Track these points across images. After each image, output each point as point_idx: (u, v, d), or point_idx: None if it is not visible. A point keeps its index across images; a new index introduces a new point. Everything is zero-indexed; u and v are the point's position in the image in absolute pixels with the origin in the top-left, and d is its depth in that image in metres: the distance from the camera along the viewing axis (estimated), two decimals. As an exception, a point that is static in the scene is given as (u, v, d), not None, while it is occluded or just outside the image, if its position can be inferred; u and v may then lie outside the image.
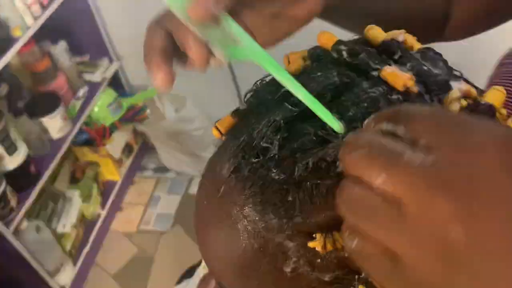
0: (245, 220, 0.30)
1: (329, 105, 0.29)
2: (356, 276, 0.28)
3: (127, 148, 1.92)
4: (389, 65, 0.30)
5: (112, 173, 1.84)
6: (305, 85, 0.30)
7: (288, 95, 0.30)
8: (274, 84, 0.32)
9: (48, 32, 1.50)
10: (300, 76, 0.32)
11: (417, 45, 0.33)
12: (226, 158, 0.31)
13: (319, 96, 0.29)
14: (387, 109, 0.24)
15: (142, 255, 1.76)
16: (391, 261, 0.21)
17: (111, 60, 1.78)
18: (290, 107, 0.30)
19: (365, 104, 0.28)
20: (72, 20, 1.64)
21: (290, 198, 0.28)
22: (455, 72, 0.32)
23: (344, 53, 0.32)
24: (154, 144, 1.94)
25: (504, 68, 0.57)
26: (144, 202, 1.95)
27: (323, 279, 0.29)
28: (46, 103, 1.51)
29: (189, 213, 1.85)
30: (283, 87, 0.31)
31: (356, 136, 0.23)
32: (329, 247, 0.27)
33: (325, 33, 0.34)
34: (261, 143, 0.29)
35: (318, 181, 0.27)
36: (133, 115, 1.86)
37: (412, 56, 0.32)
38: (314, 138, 0.29)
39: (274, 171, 0.28)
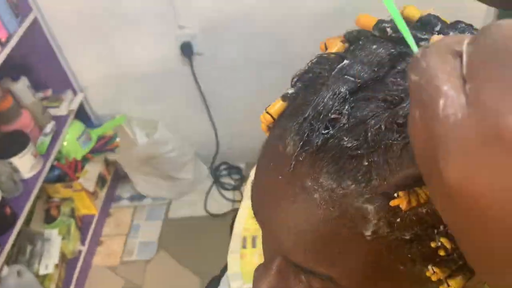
0: (321, 190, 0.30)
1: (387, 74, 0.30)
2: (435, 230, 0.29)
3: (101, 180, 1.87)
4: (435, 34, 0.31)
5: (88, 207, 1.79)
6: (363, 56, 0.31)
7: (347, 68, 0.31)
8: (323, 63, 0.32)
9: (8, 69, 1.46)
10: (353, 51, 0.32)
11: (447, 20, 0.34)
12: (289, 136, 0.31)
13: (379, 65, 0.30)
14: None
15: (129, 286, 1.71)
16: None
17: (75, 92, 1.74)
18: (352, 79, 0.31)
19: None
20: (31, 56, 1.60)
21: (365, 163, 0.29)
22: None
23: (389, 30, 0.32)
24: (127, 172, 1.91)
25: None
26: (124, 233, 1.90)
27: (404, 237, 0.29)
28: (13, 142, 1.46)
29: (172, 237, 1.83)
30: (335, 64, 0.31)
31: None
32: (414, 202, 0.27)
33: (363, 15, 0.35)
34: (329, 114, 0.30)
35: (392, 142, 0.27)
36: (103, 145, 1.82)
37: (450, 28, 0.33)
38: (383, 103, 0.29)
39: (346, 139, 0.29)
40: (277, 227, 0.33)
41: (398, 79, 0.30)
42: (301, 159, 0.30)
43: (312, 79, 0.33)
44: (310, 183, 0.30)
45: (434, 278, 0.30)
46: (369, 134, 0.29)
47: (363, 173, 0.29)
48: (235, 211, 0.60)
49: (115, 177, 2.00)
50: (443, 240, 0.28)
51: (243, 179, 1.98)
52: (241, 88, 1.73)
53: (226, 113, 1.83)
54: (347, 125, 0.29)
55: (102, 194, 1.89)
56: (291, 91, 0.34)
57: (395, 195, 0.28)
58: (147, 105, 1.81)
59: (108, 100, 1.80)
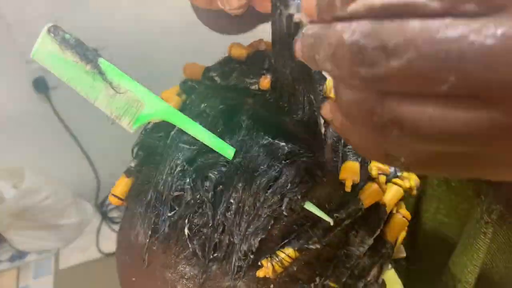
0: (184, 279, 0.28)
1: (225, 130, 0.29)
2: (312, 285, 0.29)
3: (-31, 248, 1.64)
4: (263, 75, 0.31)
5: (-41, 283, 1.55)
6: (196, 121, 0.29)
7: (179, 135, 0.29)
8: (160, 129, 0.30)
9: None
10: (185, 113, 0.31)
11: None
12: (138, 224, 0.28)
13: (211, 128, 0.29)
14: None
15: None
16: None
17: None
18: (186, 146, 0.28)
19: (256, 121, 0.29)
20: None
21: (216, 240, 0.27)
22: None
23: (217, 79, 0.32)
24: (0, 231, 1.70)
25: None
26: (10, 300, 1.69)
27: None
28: None
29: (68, 289, 1.67)
30: (170, 129, 0.29)
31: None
32: (278, 268, 0.26)
33: (189, 64, 0.34)
34: (171, 193, 0.27)
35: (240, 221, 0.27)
36: (-37, 209, 1.60)
37: None
38: (222, 169, 0.28)
39: (195, 216, 0.27)
40: None
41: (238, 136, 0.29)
42: (154, 248, 0.28)
43: (151, 148, 0.31)
44: (169, 274, 0.28)
45: None
46: (220, 211, 0.27)
47: (220, 251, 0.27)
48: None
49: (-13, 240, 1.77)
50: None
51: (133, 208, 1.88)
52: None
53: (99, 141, 1.72)
54: (192, 201, 0.27)
55: (-26, 263, 1.66)
56: (133, 164, 0.32)
57: (259, 264, 0.27)
58: (9, 153, 1.63)
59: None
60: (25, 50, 1.41)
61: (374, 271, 0.32)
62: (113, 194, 0.32)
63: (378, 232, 0.32)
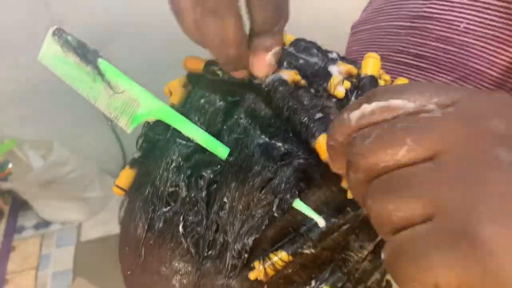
0: (178, 275, 0.28)
1: (223, 127, 0.28)
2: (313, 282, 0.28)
3: (-3, 213, 1.70)
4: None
5: (-15, 246, 1.61)
6: (193, 118, 0.29)
7: (177, 130, 0.29)
8: (161, 123, 0.30)
9: None
10: (187, 107, 0.31)
11: (289, 38, 0.33)
12: (137, 217, 0.29)
13: (210, 125, 0.28)
14: (359, 99, 0.23)
15: (46, 323, 1.58)
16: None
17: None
18: (183, 141, 0.29)
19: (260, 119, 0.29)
20: None
21: (211, 238, 0.27)
22: (331, 55, 0.33)
23: (220, 72, 0.31)
24: (27, 199, 1.75)
25: (356, 35, 0.60)
26: (33, 266, 1.75)
27: None
28: None
29: (88, 261, 1.71)
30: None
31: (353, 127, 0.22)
32: (270, 271, 0.26)
33: (189, 58, 0.33)
34: (167, 188, 0.27)
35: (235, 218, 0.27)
36: (-6, 175, 1.66)
37: (286, 51, 0.32)
38: (217, 167, 0.28)
39: (190, 213, 0.27)
40: None
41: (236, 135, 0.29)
42: (151, 242, 0.28)
43: (153, 141, 0.31)
44: (164, 269, 0.28)
45: None
46: (213, 208, 0.27)
47: (214, 249, 0.27)
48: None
49: (14, 206, 1.83)
50: None
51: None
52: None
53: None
54: (188, 198, 0.27)
55: (1, 227, 1.72)
56: (137, 155, 0.32)
57: (252, 265, 0.27)
58: (39, 126, 1.68)
59: (-7, 124, 1.64)
60: (59, 23, 1.44)
61: (375, 276, 0.31)
62: (116, 185, 0.32)
63: (379, 237, 0.31)
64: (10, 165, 1.68)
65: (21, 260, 1.75)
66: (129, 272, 0.30)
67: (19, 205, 1.85)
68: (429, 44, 0.47)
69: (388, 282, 0.34)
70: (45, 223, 1.84)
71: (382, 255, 0.21)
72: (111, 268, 1.78)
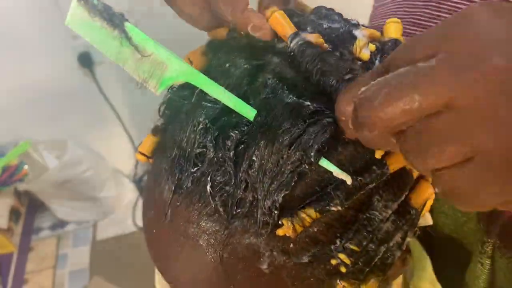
0: (206, 235, 0.28)
1: (249, 89, 0.28)
2: (332, 247, 0.28)
3: (14, 214, 1.73)
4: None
5: (4, 246, 1.64)
6: (219, 81, 0.29)
7: (203, 93, 0.29)
8: (185, 88, 0.30)
9: None
10: (210, 72, 0.31)
11: (308, 7, 0.33)
12: (163, 180, 0.29)
13: (236, 87, 0.28)
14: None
15: (64, 321, 1.60)
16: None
17: (-34, 124, 1.58)
18: (209, 104, 0.28)
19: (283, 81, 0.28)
20: None
21: (240, 196, 0.27)
22: (352, 21, 0.33)
23: (243, 38, 0.31)
24: (43, 200, 1.77)
25: (380, 9, 0.59)
26: (50, 265, 1.77)
27: (301, 261, 0.28)
28: None
29: (104, 260, 1.73)
30: (195, 88, 0.29)
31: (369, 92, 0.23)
32: (299, 228, 0.26)
33: (213, 30, 0.34)
34: (194, 149, 0.27)
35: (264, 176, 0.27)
36: (10, 176, 1.68)
37: (308, 18, 0.32)
38: (244, 128, 0.27)
39: (218, 173, 0.27)
40: (174, 279, 0.31)
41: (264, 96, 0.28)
42: (178, 203, 0.28)
43: (177, 107, 0.31)
44: (192, 229, 0.28)
45: None
46: (242, 167, 0.27)
47: (243, 207, 0.27)
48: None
49: (31, 207, 1.85)
50: (341, 256, 0.27)
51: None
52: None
53: (140, 121, 1.75)
54: (215, 158, 0.27)
55: (18, 228, 1.75)
56: (160, 122, 0.32)
57: (280, 222, 0.27)
58: (54, 126, 1.69)
59: (7, 127, 1.66)
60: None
61: (397, 237, 0.31)
62: (140, 152, 0.32)
63: (403, 197, 0.31)
64: (25, 167, 1.70)
65: (39, 260, 1.78)
66: (155, 232, 0.30)
67: (35, 206, 1.87)
68: (442, 16, 0.47)
69: (408, 248, 0.34)
70: (61, 224, 1.86)
71: (436, 189, 0.22)
72: (127, 266, 1.81)
